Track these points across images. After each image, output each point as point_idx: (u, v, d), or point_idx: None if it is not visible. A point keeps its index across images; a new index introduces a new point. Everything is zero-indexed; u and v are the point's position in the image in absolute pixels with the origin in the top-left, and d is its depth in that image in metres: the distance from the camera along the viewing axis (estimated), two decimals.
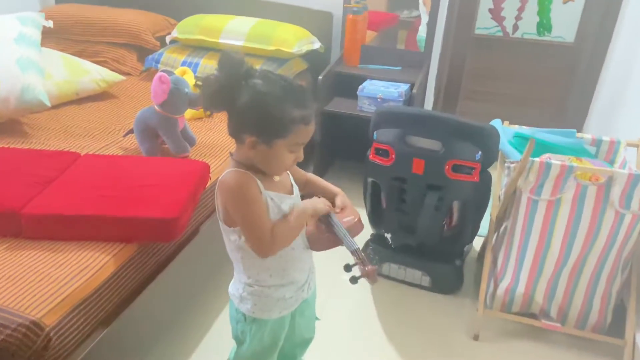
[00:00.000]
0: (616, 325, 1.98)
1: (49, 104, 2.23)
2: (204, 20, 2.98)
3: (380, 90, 2.72)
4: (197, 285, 1.99)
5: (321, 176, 3.14)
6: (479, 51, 3.37)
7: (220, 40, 2.88)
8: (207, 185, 1.92)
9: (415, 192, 2.05)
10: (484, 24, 3.30)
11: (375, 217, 2.27)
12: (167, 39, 3.05)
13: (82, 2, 3.31)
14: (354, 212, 1.30)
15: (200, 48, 2.97)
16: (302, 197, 1.33)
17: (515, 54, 3.31)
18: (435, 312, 2.19)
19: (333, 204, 1.32)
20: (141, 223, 1.55)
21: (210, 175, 1.94)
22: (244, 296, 1.30)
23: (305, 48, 2.90)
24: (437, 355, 1.97)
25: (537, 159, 1.85)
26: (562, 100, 3.35)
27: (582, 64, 3.20)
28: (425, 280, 2.26)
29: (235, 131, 1.15)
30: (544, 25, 3.21)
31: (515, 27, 3.26)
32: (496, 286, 2.08)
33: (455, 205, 2.14)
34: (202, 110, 2.38)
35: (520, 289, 2.02)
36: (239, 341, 1.37)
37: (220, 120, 2.51)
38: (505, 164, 2.08)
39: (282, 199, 1.22)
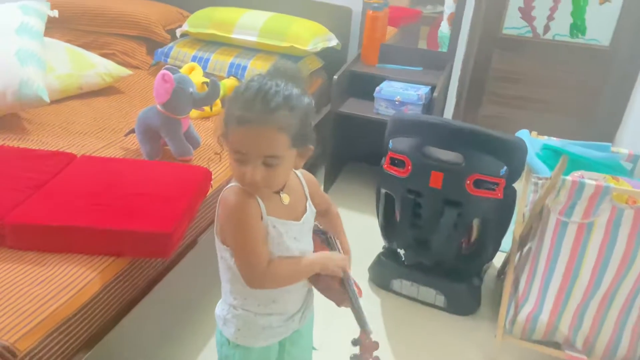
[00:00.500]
0: None
1: (47, 100, 2.12)
2: (216, 13, 2.85)
3: (399, 92, 2.56)
4: (192, 303, 1.86)
5: (333, 179, 2.92)
6: (506, 52, 3.18)
7: (233, 35, 2.75)
8: (209, 193, 1.79)
9: (431, 207, 1.90)
10: (512, 23, 3.10)
11: (388, 230, 2.12)
12: (178, 32, 2.93)
13: None
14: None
15: (211, 43, 2.84)
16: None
17: (545, 56, 3.11)
18: (449, 334, 2.04)
19: None
20: (131, 237, 1.44)
21: (212, 183, 1.81)
22: (228, 319, 1.19)
23: (320, 45, 2.75)
24: None
25: (569, 177, 1.69)
26: (593, 108, 3.15)
27: (617, 69, 3.00)
28: (440, 300, 2.11)
29: None
30: (577, 27, 3.01)
31: (547, 28, 3.06)
32: (517, 311, 1.92)
33: (475, 222, 1.98)
34: (208, 109, 2.25)
35: (544, 316, 1.86)
36: None
37: None
38: (532, 179, 1.91)
39: (287, 226, 1.09)
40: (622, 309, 1.77)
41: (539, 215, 1.82)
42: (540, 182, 1.82)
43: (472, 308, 2.13)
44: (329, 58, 2.96)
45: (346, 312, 1.17)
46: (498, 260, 2.32)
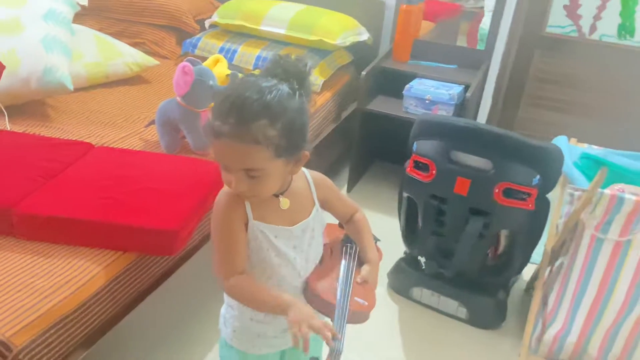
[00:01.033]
0: None
1: (71, 88, 2.11)
2: (246, 4, 2.79)
3: (430, 91, 2.45)
4: (199, 300, 1.80)
5: (357, 178, 2.82)
6: (548, 52, 3.01)
7: (261, 27, 2.68)
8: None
9: (456, 215, 1.79)
10: (556, 21, 2.93)
11: (410, 236, 2.03)
12: (207, 23, 2.89)
13: None
14: (370, 295, 1.06)
15: (239, 34, 2.79)
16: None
17: (590, 58, 2.93)
18: (470, 348, 1.93)
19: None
20: (137, 233, 1.40)
21: None
22: (227, 318, 1.14)
23: (350, 39, 2.66)
24: None
25: (607, 191, 1.56)
26: (639, 116, 2.95)
27: None
28: (462, 312, 2.00)
29: None
30: (625, 28, 2.81)
31: (593, 28, 2.87)
32: (544, 329, 1.81)
33: (503, 232, 1.86)
34: None
35: (573, 337, 1.74)
36: None
37: None
38: (568, 190, 1.78)
39: (278, 232, 1.01)
40: None
41: (573, 229, 1.70)
42: (576, 193, 1.69)
43: (496, 322, 2.02)
44: (360, 53, 2.87)
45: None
46: (528, 272, 2.19)
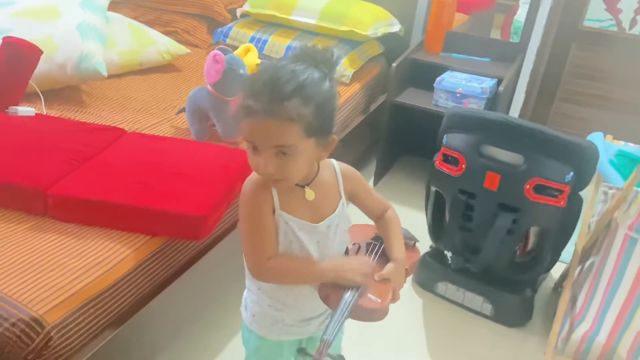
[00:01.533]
0: None
1: (105, 74, 2.16)
2: None
3: (461, 84, 2.41)
4: (226, 286, 1.81)
5: (384, 172, 2.80)
6: (585, 46, 2.93)
7: (292, 17, 2.68)
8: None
9: (484, 210, 1.76)
10: (595, 15, 2.84)
11: (436, 230, 2.01)
12: (238, 12, 2.90)
13: None
14: (386, 294, 1.03)
15: (270, 24, 2.79)
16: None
17: (630, 53, 2.84)
18: (495, 346, 1.91)
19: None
20: (166, 217, 1.42)
21: None
22: (248, 302, 1.16)
23: (382, 30, 2.63)
24: None
25: None
26: None
27: None
28: (487, 309, 1.98)
29: None
30: None
31: (634, 22, 2.78)
32: (572, 329, 1.77)
33: (533, 229, 1.83)
34: None
35: (601, 338, 1.70)
36: (246, 348, 1.22)
37: None
38: (602, 188, 1.74)
39: (302, 226, 1.01)
40: None
41: (605, 228, 1.66)
42: (610, 192, 1.65)
43: (522, 320, 1.99)
44: (391, 44, 2.84)
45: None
46: (557, 270, 2.14)
